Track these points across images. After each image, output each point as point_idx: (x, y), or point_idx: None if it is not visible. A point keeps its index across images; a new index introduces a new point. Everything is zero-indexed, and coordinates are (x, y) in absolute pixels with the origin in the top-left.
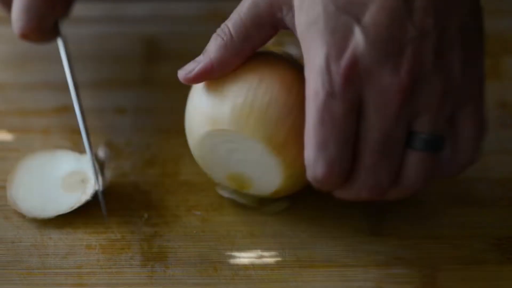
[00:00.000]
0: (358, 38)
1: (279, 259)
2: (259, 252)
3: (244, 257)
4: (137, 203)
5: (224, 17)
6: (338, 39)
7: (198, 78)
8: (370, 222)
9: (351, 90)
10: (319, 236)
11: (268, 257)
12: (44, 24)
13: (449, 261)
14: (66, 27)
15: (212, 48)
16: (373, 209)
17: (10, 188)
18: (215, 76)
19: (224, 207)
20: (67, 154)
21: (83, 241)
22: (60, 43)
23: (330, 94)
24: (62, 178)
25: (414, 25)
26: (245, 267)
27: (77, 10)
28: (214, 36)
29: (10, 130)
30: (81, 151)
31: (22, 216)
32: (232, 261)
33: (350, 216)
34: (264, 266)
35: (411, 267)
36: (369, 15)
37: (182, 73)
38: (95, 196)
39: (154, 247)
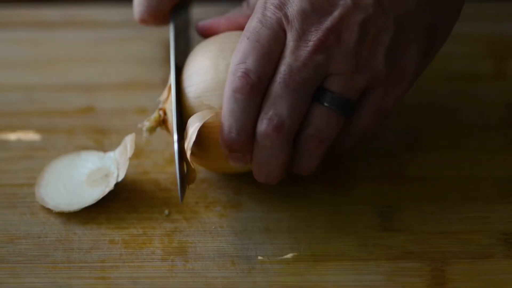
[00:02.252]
0: None
1: (294, 253)
2: (275, 247)
3: (261, 251)
4: (158, 200)
5: None
6: None
7: (206, 28)
8: (382, 218)
9: (277, 23)
10: (333, 231)
11: (284, 252)
12: (161, 10)
13: (457, 255)
14: (89, 31)
15: (232, 10)
16: (384, 206)
17: (38, 187)
18: (221, 29)
19: (242, 204)
20: (91, 154)
21: (107, 236)
22: (170, 27)
23: (260, 21)
24: (86, 175)
25: None
26: (262, 261)
27: (101, 15)
28: None
29: (36, 130)
30: (105, 150)
31: (48, 212)
32: (249, 255)
33: (362, 212)
34: (280, 260)
35: (421, 261)
36: None
37: (199, 24)
38: (117, 187)
39: (174, 242)
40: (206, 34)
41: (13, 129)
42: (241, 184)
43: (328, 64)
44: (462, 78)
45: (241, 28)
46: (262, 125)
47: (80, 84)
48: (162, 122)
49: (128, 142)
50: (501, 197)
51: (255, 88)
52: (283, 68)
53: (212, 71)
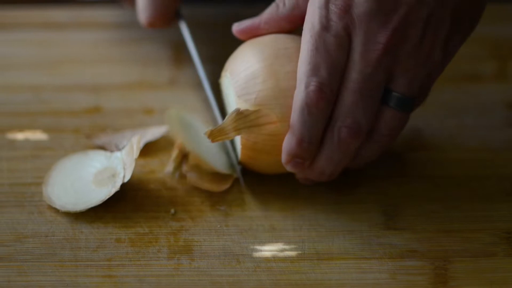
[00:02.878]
0: None
1: (298, 251)
2: (280, 245)
3: (266, 250)
4: (164, 199)
5: None
6: None
7: (246, 31)
8: (385, 217)
9: (343, 28)
10: (336, 230)
11: (288, 250)
12: (168, 12)
13: (460, 254)
14: (96, 32)
15: (266, 11)
16: (388, 205)
17: (45, 186)
18: (261, 32)
19: (247, 203)
20: (98, 153)
21: (113, 235)
22: (183, 26)
23: (325, 28)
24: (93, 175)
25: None
26: (267, 259)
27: (108, 16)
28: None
29: (44, 130)
30: (111, 149)
31: (55, 211)
32: (254, 253)
33: (366, 211)
34: (285, 259)
35: (424, 259)
36: None
37: (235, 26)
38: (124, 186)
39: (180, 241)
40: (245, 37)
41: (21, 128)
42: (246, 183)
43: (394, 64)
44: (465, 78)
45: (283, 31)
46: (341, 133)
47: (88, 84)
48: (183, 158)
49: (135, 143)
50: (504, 196)
51: (329, 101)
52: (355, 76)
53: (272, 80)
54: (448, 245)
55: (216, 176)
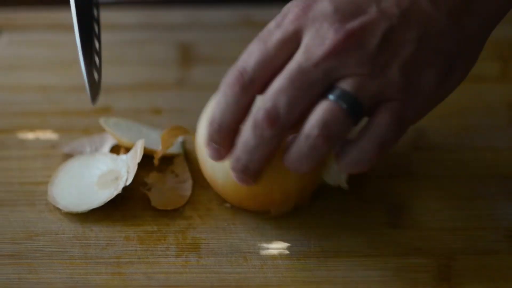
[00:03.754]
0: None
1: (305, 249)
2: (286, 243)
3: (272, 248)
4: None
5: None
6: None
7: None
8: (390, 215)
9: (294, 28)
10: (342, 228)
11: (295, 248)
12: None
13: (463, 252)
14: (106, 34)
15: None
16: (393, 203)
17: (51, 186)
18: None
19: None
20: (105, 155)
21: (122, 233)
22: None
23: (277, 25)
24: (98, 176)
25: (378, 6)
26: (273, 257)
27: (117, 17)
28: None
29: (54, 129)
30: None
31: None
32: (261, 251)
33: (371, 210)
34: (291, 256)
35: (428, 257)
36: None
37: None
38: (125, 190)
39: (188, 239)
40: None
41: (32, 128)
42: None
43: (340, 69)
44: (468, 79)
45: None
46: (258, 115)
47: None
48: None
49: (139, 147)
50: (507, 195)
51: (244, 89)
52: (291, 65)
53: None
54: (452, 243)
55: (174, 194)
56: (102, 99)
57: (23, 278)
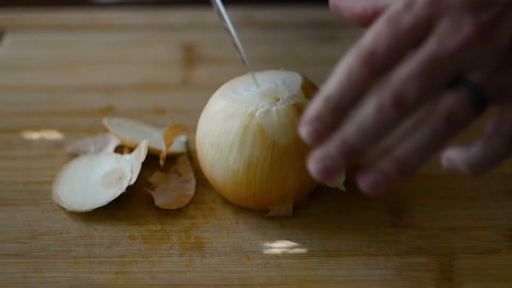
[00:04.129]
0: None
1: (307, 248)
2: (289, 242)
3: (275, 247)
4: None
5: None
6: None
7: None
8: (392, 214)
9: (427, 13)
10: (344, 228)
11: (297, 247)
12: None
13: (465, 251)
14: (109, 34)
15: None
16: (395, 202)
17: (55, 185)
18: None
19: None
20: (109, 155)
21: (126, 232)
22: None
23: (407, 7)
24: (101, 176)
25: None
26: (276, 256)
27: (121, 18)
28: None
29: (58, 129)
30: (122, 151)
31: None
32: (264, 250)
33: (373, 209)
34: (294, 255)
35: (429, 256)
36: None
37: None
38: (129, 189)
39: (191, 238)
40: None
41: (37, 128)
42: None
43: (472, 61)
44: None
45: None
46: (383, 98)
47: (101, 85)
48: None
49: (143, 147)
50: (507, 195)
51: (373, 74)
52: (424, 53)
53: None
54: (453, 242)
55: (178, 193)
56: (105, 99)
57: (27, 277)
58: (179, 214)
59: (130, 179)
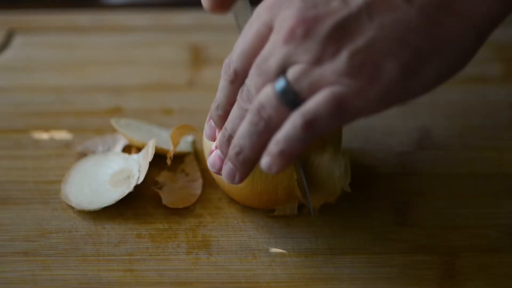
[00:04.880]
0: None
1: (312, 247)
2: (294, 241)
3: (281, 245)
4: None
5: None
6: None
7: None
8: (396, 213)
9: (267, 13)
10: (349, 227)
11: (303, 245)
12: None
13: (467, 249)
14: (118, 35)
15: None
16: (398, 202)
17: (64, 184)
18: None
19: None
20: (117, 155)
21: (134, 231)
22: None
23: (257, 15)
24: (110, 175)
25: None
26: (282, 254)
27: (129, 19)
28: None
29: (67, 129)
30: (129, 151)
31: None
32: (270, 249)
33: (377, 208)
34: (299, 254)
35: (432, 254)
36: None
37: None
38: (136, 188)
39: (198, 236)
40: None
41: (46, 128)
42: None
43: (292, 56)
44: (472, 80)
45: None
46: (242, 92)
47: (109, 85)
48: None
49: (150, 146)
50: (509, 193)
51: (232, 79)
52: (261, 53)
53: None
54: (456, 240)
55: (185, 192)
56: (113, 100)
57: (37, 274)
58: (186, 213)
59: (138, 178)
